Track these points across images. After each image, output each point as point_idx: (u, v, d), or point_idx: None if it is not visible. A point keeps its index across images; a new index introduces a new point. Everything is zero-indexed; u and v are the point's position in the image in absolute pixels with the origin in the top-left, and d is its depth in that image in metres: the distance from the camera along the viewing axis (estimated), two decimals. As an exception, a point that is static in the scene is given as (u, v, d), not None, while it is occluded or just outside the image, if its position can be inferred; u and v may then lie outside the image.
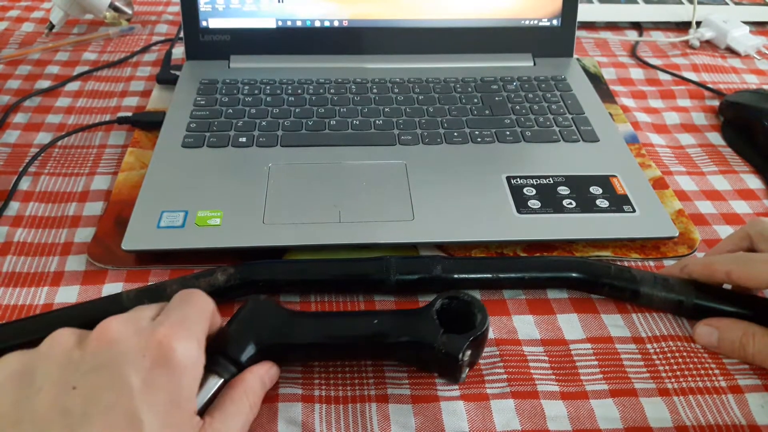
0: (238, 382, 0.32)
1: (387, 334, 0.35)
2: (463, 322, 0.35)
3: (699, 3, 0.75)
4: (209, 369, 0.32)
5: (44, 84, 0.62)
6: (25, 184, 0.50)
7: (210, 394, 0.31)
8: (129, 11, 0.74)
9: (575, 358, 0.38)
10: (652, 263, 0.44)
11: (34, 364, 0.29)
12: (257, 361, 0.34)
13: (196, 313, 0.32)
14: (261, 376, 0.33)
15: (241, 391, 0.32)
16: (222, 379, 0.32)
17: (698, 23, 0.73)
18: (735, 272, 0.37)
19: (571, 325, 0.40)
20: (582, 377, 0.37)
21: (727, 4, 0.79)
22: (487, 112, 0.56)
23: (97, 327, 0.30)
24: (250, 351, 0.34)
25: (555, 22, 0.62)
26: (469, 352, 0.34)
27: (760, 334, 0.36)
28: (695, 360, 0.38)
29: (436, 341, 0.34)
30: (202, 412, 0.31)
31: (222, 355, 0.33)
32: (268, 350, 0.34)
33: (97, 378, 0.28)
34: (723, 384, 0.36)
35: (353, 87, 0.58)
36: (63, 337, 0.30)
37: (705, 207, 0.49)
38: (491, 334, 0.39)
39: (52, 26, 0.70)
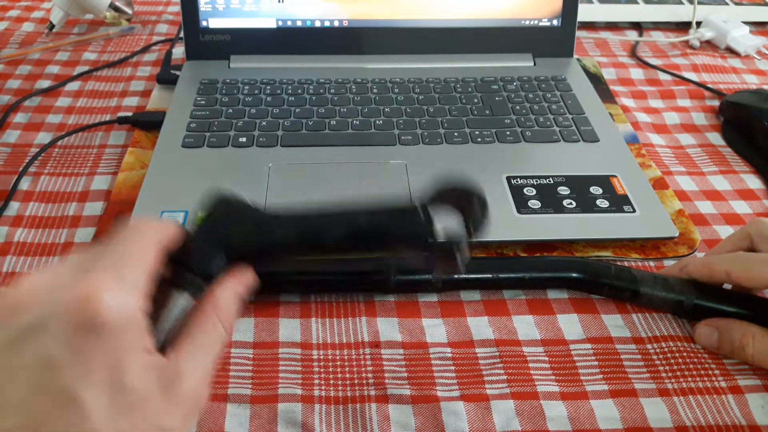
0: (208, 303, 0.28)
1: (375, 237, 0.31)
2: (458, 203, 0.32)
3: (699, 3, 0.75)
4: (175, 285, 0.28)
5: (44, 84, 0.62)
6: (25, 184, 0.50)
7: (178, 316, 0.28)
8: (129, 11, 0.74)
9: (575, 358, 0.38)
10: (652, 263, 0.44)
11: None
12: (229, 270, 0.30)
13: (136, 251, 0.26)
14: (235, 289, 0.29)
15: (212, 314, 0.27)
16: (190, 297, 0.28)
17: (698, 23, 0.73)
18: (734, 272, 0.37)
19: (571, 325, 0.40)
20: (582, 377, 0.37)
21: (727, 4, 0.79)
22: (487, 112, 0.56)
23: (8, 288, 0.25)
24: (219, 261, 0.29)
25: (555, 22, 0.62)
26: (467, 250, 0.31)
27: (760, 335, 0.36)
28: (695, 360, 0.38)
29: (431, 244, 0.30)
30: (171, 338, 0.27)
31: (187, 269, 0.29)
32: (240, 256, 0.30)
33: (10, 355, 0.23)
34: (723, 384, 0.36)
35: (353, 87, 0.58)
36: None
37: (705, 207, 0.50)
38: (491, 335, 0.39)
39: (52, 26, 0.70)
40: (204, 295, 0.28)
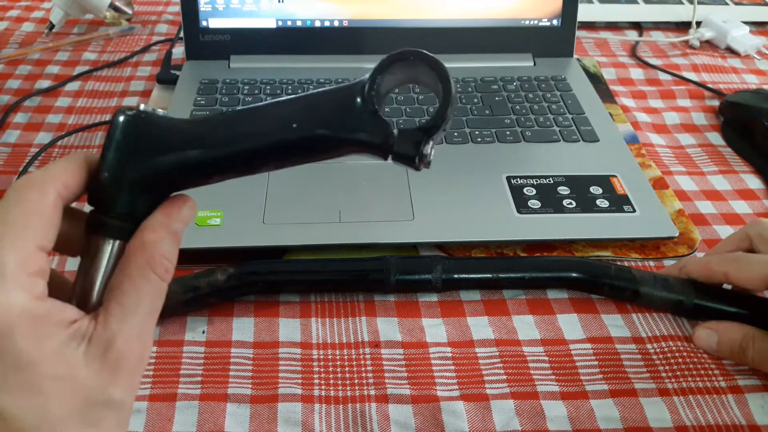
0: (137, 251, 0.24)
1: (318, 145, 0.26)
2: (416, 81, 0.27)
3: (699, 3, 0.75)
4: (96, 233, 0.25)
5: (44, 84, 0.62)
6: (25, 184, 0.50)
7: (109, 266, 0.25)
8: (129, 11, 0.74)
9: (575, 358, 0.38)
10: (652, 263, 0.44)
11: None
12: (154, 201, 0.25)
13: (18, 223, 0.23)
14: (166, 226, 0.25)
15: (142, 263, 0.24)
16: (114, 242, 0.25)
17: (698, 23, 0.73)
18: (732, 273, 0.37)
19: (571, 325, 0.40)
20: (582, 377, 0.37)
21: (727, 4, 0.79)
22: (487, 112, 0.56)
23: None
24: (137, 195, 0.25)
25: (555, 22, 0.62)
26: (430, 144, 0.26)
27: (760, 337, 0.36)
28: (695, 360, 0.38)
29: (387, 142, 0.25)
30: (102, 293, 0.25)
31: (102, 212, 0.25)
32: (163, 183, 0.25)
33: None
34: (723, 384, 0.36)
35: (353, 87, 0.58)
36: None
37: (705, 207, 0.49)
38: (491, 335, 0.39)
39: (52, 26, 0.70)
40: (131, 241, 0.25)
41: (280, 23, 0.61)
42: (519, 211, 0.45)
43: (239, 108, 0.27)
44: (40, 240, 0.23)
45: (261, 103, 0.26)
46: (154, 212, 0.25)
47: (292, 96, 0.26)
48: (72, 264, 0.43)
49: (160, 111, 0.26)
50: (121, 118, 0.25)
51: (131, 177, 0.24)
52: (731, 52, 0.71)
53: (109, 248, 0.25)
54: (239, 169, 0.26)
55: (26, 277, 0.22)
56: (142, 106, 0.25)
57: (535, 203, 0.46)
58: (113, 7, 0.72)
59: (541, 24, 0.62)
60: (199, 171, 0.26)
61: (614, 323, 0.40)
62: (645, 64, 0.68)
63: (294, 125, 0.25)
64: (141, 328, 0.24)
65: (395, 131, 0.25)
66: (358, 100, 0.25)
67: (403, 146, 0.25)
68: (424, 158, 0.26)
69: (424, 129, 0.26)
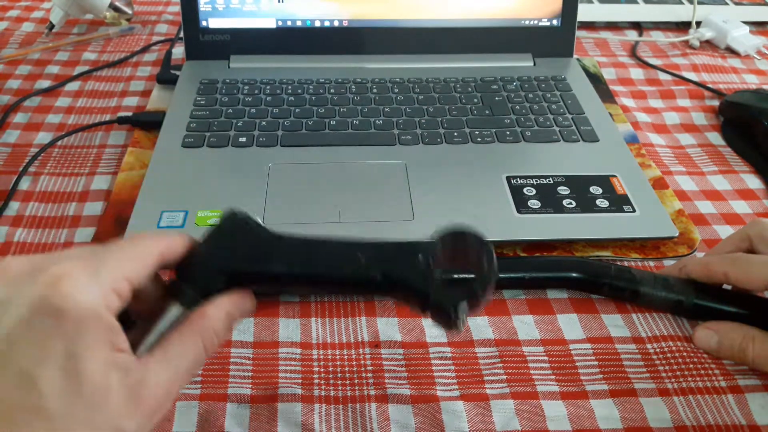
0: (196, 318, 0.28)
1: (376, 281, 0.30)
2: (464, 255, 0.31)
3: (699, 3, 0.75)
4: (171, 295, 0.29)
5: (44, 84, 0.62)
6: (25, 184, 0.50)
7: (168, 326, 0.28)
8: (129, 11, 0.74)
9: (575, 358, 0.38)
10: (652, 263, 0.44)
11: None
12: (227, 289, 0.29)
13: (121, 256, 0.27)
14: (227, 310, 0.29)
15: (196, 329, 0.28)
16: (182, 309, 0.28)
17: (698, 23, 0.73)
18: (732, 273, 0.37)
19: (571, 325, 0.40)
20: (582, 377, 0.37)
21: (727, 4, 0.79)
22: (487, 112, 0.56)
23: None
24: (217, 279, 0.29)
25: (555, 22, 0.62)
26: (467, 308, 0.30)
27: (760, 338, 0.36)
28: (695, 360, 0.38)
29: (430, 292, 0.29)
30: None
31: (183, 282, 0.29)
32: (238, 278, 0.30)
33: None
34: (723, 384, 0.36)
35: (353, 87, 0.58)
36: None
37: (705, 207, 0.50)
38: (491, 335, 0.39)
39: (52, 26, 0.70)
40: (195, 311, 0.28)
41: (280, 23, 0.61)
42: (519, 211, 0.45)
43: (321, 236, 0.31)
44: (133, 275, 0.26)
45: (338, 239, 0.31)
46: (222, 295, 0.29)
47: (365, 238, 0.31)
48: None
49: (260, 221, 0.31)
50: (231, 220, 0.31)
51: (218, 267, 0.29)
52: (731, 52, 0.71)
53: (175, 311, 0.28)
54: (304, 290, 0.33)
55: (111, 291, 0.25)
56: (250, 214, 0.31)
57: (535, 203, 0.46)
58: (113, 7, 0.72)
59: (541, 24, 0.62)
60: (273, 281, 0.31)
61: (614, 323, 0.40)
62: (645, 64, 0.68)
63: (363, 265, 0.30)
64: (173, 379, 0.26)
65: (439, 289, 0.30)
66: (420, 257, 0.30)
67: (443, 301, 0.29)
68: (458, 319, 0.29)
69: (466, 294, 0.29)
